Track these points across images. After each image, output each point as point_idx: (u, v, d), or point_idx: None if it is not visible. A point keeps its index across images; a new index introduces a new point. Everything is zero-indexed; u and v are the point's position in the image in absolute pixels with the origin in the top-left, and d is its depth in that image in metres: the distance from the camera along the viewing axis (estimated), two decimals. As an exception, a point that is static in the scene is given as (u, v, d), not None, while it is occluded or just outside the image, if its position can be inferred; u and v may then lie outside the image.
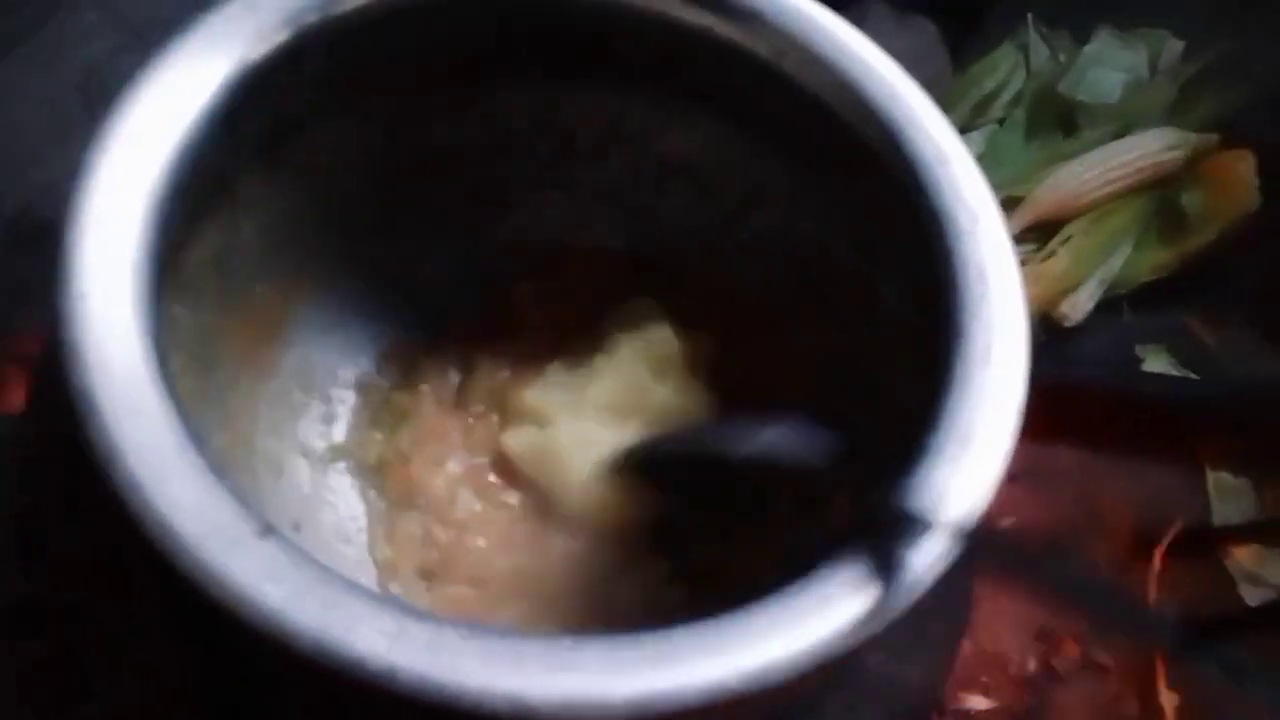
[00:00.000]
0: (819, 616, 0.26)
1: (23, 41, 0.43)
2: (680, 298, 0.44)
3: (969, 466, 0.29)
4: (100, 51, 0.40)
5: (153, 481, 0.26)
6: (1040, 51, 0.79)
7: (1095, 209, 0.71)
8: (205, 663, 0.35)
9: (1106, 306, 0.71)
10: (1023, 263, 0.69)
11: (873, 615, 0.27)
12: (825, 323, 0.41)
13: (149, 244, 0.31)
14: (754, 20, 0.38)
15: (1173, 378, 0.70)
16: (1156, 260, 0.72)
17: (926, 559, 0.27)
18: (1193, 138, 0.73)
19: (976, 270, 0.33)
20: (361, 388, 0.45)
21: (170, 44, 0.33)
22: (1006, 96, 0.78)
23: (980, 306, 0.32)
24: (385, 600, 0.26)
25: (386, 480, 0.43)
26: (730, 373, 0.43)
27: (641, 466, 0.40)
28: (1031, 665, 0.60)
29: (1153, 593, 0.61)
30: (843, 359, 0.40)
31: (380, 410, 0.45)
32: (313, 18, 0.35)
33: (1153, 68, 0.79)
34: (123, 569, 0.36)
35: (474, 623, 0.26)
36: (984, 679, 0.60)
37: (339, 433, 0.44)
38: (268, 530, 0.27)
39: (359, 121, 0.41)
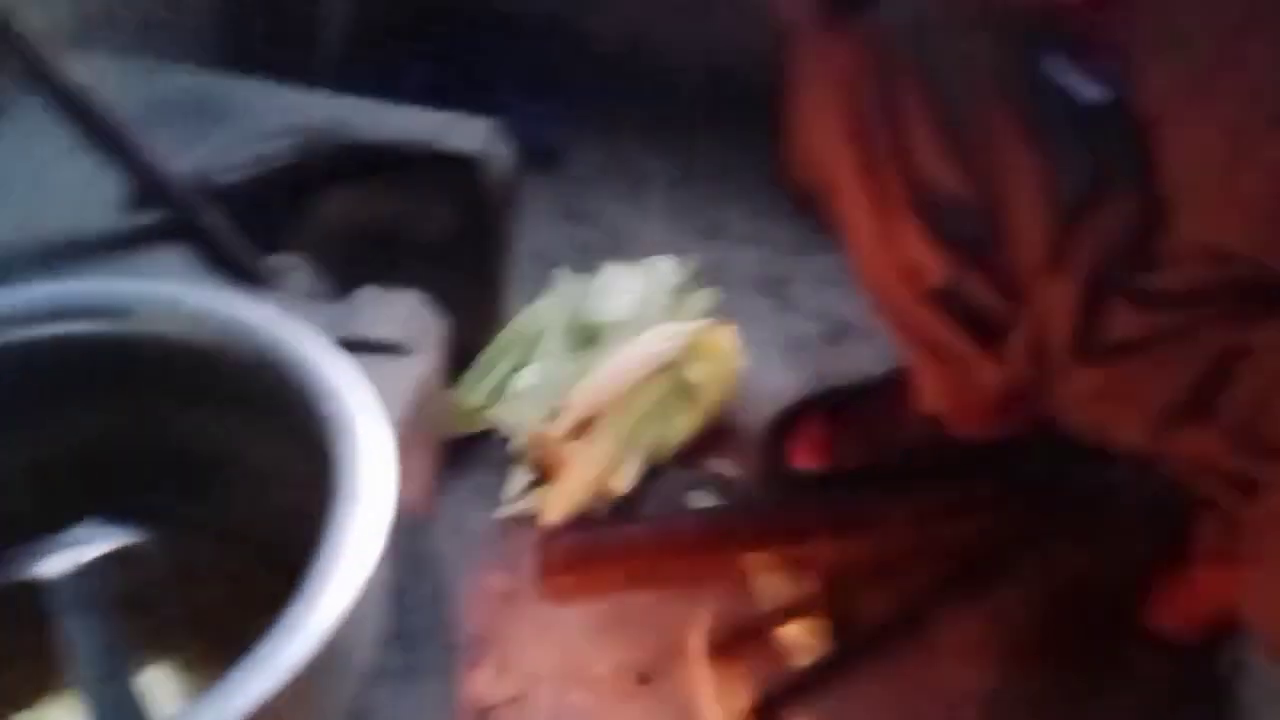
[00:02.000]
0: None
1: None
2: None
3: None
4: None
5: None
6: (569, 292, 0.98)
7: (624, 398, 0.88)
8: None
9: (654, 473, 0.87)
10: (571, 454, 0.85)
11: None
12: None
13: None
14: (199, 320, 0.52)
15: (714, 506, 0.85)
16: (681, 425, 0.89)
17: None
18: (688, 325, 0.92)
19: (352, 445, 0.46)
20: None
21: None
22: (553, 333, 0.96)
23: (356, 464, 0.45)
24: None
25: None
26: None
27: None
28: None
29: (711, 690, 0.73)
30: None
31: None
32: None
33: (657, 284, 0.99)
34: None
35: None
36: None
37: None
38: None
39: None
